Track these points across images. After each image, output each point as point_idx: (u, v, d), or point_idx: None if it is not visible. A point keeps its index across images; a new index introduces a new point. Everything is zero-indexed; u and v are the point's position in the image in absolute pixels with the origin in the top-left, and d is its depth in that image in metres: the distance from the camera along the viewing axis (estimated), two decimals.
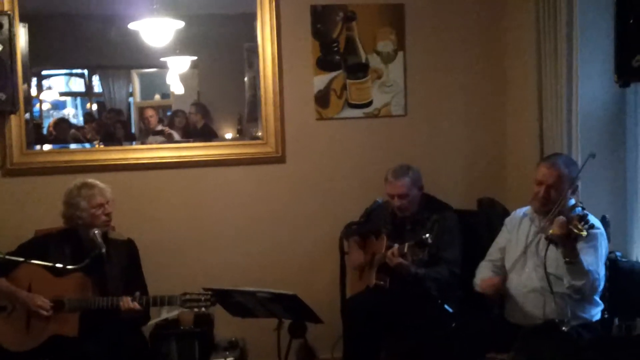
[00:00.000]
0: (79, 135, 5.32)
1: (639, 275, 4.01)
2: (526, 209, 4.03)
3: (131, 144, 5.26)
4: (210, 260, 5.02)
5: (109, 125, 5.38)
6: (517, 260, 3.94)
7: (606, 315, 3.82)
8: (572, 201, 3.76)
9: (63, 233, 4.13)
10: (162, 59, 5.14)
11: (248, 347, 4.97)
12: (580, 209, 3.55)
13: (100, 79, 5.60)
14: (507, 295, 3.94)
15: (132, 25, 4.90)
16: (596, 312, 3.79)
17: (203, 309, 3.94)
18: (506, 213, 4.42)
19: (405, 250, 4.11)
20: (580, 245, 3.52)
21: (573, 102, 4.26)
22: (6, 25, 4.48)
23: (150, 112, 5.41)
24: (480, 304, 4.11)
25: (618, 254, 4.07)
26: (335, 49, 5.11)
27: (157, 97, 5.58)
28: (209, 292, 3.90)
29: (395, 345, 4.38)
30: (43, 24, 4.94)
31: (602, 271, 3.70)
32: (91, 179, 4.15)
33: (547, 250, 3.59)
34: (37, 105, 5.24)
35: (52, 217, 4.27)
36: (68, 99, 5.68)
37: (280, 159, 5.08)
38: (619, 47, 3.83)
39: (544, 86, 4.51)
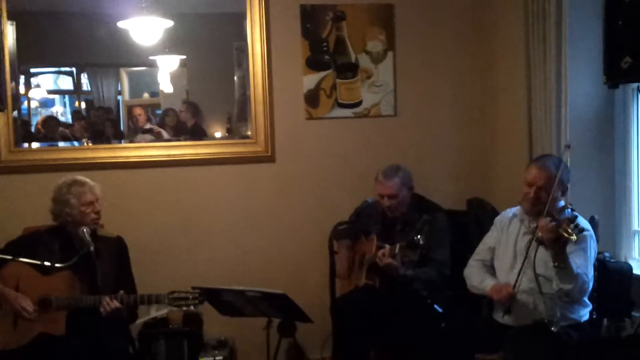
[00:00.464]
0: (67, 133, 5.29)
1: (628, 276, 4.03)
2: (516, 209, 4.03)
3: (120, 142, 5.24)
4: (199, 259, 5.00)
5: (98, 123, 5.35)
6: (507, 261, 3.94)
7: (595, 316, 3.83)
8: (562, 203, 3.77)
9: (52, 231, 4.10)
10: (151, 58, 5.12)
11: (237, 346, 4.97)
12: (569, 210, 3.55)
13: (89, 77, 5.57)
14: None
15: (121, 24, 4.87)
16: (585, 313, 3.81)
17: (191, 308, 3.91)
18: (495, 213, 4.43)
19: (397, 251, 4.11)
20: (569, 247, 3.53)
21: (562, 103, 4.28)
22: None
23: (138, 111, 5.39)
24: (470, 305, 4.12)
25: (607, 254, 4.09)
26: (325, 48, 5.11)
27: (146, 95, 5.56)
28: (197, 291, 3.87)
29: (385, 345, 4.38)
30: (31, 22, 4.90)
31: (590, 272, 3.71)
32: (81, 177, 4.12)
33: (536, 251, 3.61)
34: (25, 103, 5.20)
35: (40, 215, 4.24)
36: (56, 97, 5.66)
37: (269, 158, 5.07)
38: (608, 48, 3.86)
39: (533, 87, 4.52)
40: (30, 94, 5.32)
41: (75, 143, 5.18)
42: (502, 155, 5.22)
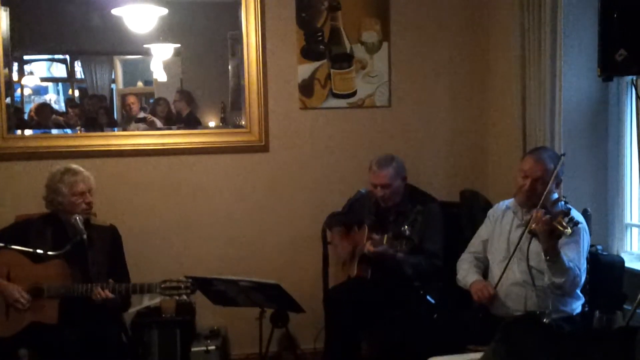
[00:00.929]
0: (60, 121, 5.28)
1: (620, 269, 4.03)
2: (509, 201, 4.03)
3: (113, 131, 5.22)
4: (192, 248, 5.01)
5: (92, 111, 5.33)
6: (500, 253, 3.95)
7: (587, 309, 3.84)
8: (556, 195, 3.76)
9: (44, 218, 4.09)
10: (145, 46, 5.11)
11: (230, 336, 4.98)
12: (563, 203, 3.56)
13: (82, 65, 5.55)
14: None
15: (115, 11, 4.85)
16: (577, 306, 3.82)
17: (183, 297, 3.90)
18: (488, 205, 4.43)
19: (384, 242, 4.11)
20: (562, 240, 3.53)
21: (556, 95, 4.27)
22: None
23: (132, 99, 5.37)
24: (462, 296, 4.12)
25: (599, 247, 4.09)
26: (320, 38, 5.10)
27: (140, 84, 5.54)
28: (189, 280, 3.86)
29: (377, 336, 4.39)
30: (25, 9, 4.89)
31: (583, 265, 3.72)
32: (76, 166, 4.10)
33: (529, 244, 3.60)
34: (19, 91, 5.18)
35: (32, 203, 4.24)
36: (50, 84, 5.63)
37: (263, 148, 5.06)
38: (603, 41, 3.84)
39: (528, 79, 4.51)
40: (24, 81, 5.29)
41: (69, 131, 5.16)
42: (496, 147, 5.22)
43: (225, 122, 5.26)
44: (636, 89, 3.63)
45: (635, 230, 4.40)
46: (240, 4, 4.95)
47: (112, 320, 4.03)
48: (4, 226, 4.13)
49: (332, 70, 5.12)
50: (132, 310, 4.34)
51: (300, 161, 5.14)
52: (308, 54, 5.10)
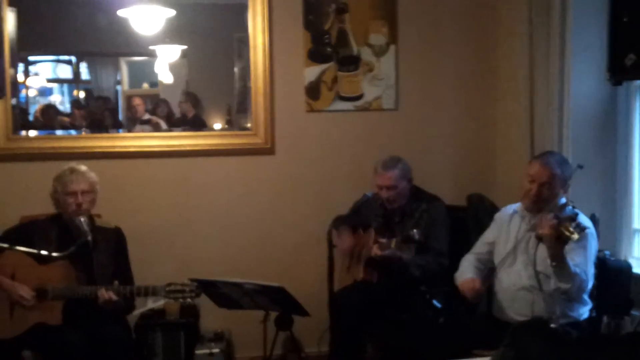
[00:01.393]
0: (66, 122, 5.27)
1: (627, 274, 4.01)
2: (516, 205, 4.01)
3: (118, 132, 5.20)
4: (197, 250, 4.99)
5: (97, 113, 5.32)
6: (507, 257, 3.91)
7: (594, 314, 3.82)
8: (563, 200, 3.74)
9: (49, 220, 4.09)
10: (151, 48, 5.09)
11: (234, 339, 4.96)
12: (570, 207, 3.53)
13: (88, 66, 5.55)
14: (496, 292, 3.93)
15: (121, 12, 4.83)
16: (585, 311, 3.79)
17: (188, 300, 3.89)
18: (495, 209, 4.39)
19: (392, 245, 4.10)
20: (570, 245, 3.50)
21: (565, 99, 4.26)
22: None
23: (137, 101, 5.36)
24: (468, 300, 4.10)
25: (607, 252, 4.06)
26: (327, 40, 5.08)
27: (146, 85, 5.54)
28: (194, 283, 3.85)
29: (382, 340, 4.37)
30: (32, 9, 4.88)
31: (591, 270, 3.69)
32: (81, 166, 4.09)
33: (537, 248, 3.58)
34: (24, 91, 5.18)
35: (37, 204, 4.24)
36: (55, 85, 5.62)
37: (269, 151, 5.04)
38: (612, 45, 3.84)
39: (536, 83, 4.50)
40: (29, 82, 5.29)
41: (74, 132, 5.15)
42: (503, 151, 5.20)
43: (231, 125, 5.25)
44: None
45: None
46: (247, 6, 4.94)
47: (116, 322, 4.01)
48: (8, 227, 4.13)
49: (339, 73, 5.11)
50: (136, 312, 4.33)
51: (306, 164, 5.12)
52: (315, 56, 5.08)
